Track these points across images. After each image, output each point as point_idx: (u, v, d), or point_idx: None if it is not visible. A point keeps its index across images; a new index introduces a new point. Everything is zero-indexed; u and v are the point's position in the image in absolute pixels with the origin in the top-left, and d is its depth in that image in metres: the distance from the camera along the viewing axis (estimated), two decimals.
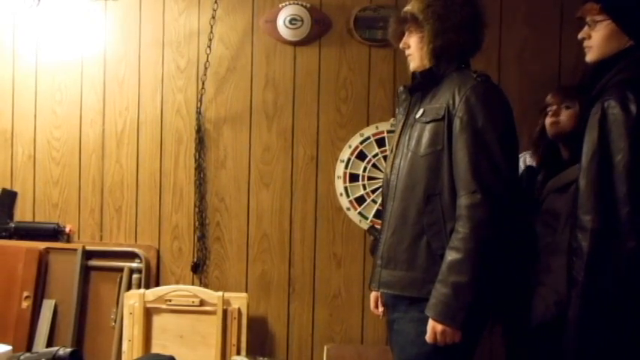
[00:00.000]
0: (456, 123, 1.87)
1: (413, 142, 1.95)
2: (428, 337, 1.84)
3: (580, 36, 1.91)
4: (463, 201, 1.83)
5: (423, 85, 2.01)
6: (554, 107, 2.25)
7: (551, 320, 1.93)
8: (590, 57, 1.89)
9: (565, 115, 2.23)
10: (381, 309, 2.25)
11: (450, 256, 1.82)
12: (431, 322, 1.84)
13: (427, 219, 1.90)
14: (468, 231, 1.80)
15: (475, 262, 1.80)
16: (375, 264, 2.03)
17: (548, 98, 2.33)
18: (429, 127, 1.93)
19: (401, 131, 2.04)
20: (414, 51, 2.02)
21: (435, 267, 1.86)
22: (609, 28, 1.84)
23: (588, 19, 1.88)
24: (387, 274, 1.97)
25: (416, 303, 1.91)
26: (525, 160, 2.54)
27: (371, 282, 2.07)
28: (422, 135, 1.93)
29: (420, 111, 1.97)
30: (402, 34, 2.07)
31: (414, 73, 2.02)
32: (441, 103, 1.91)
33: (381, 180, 2.67)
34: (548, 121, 2.26)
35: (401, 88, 2.11)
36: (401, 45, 2.07)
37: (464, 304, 1.80)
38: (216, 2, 3.04)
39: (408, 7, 2.02)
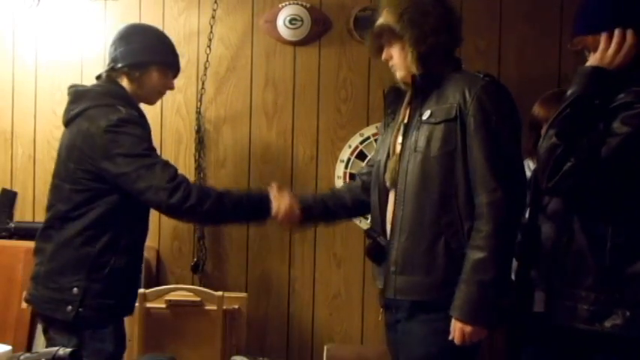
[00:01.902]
0: (470, 122, 1.87)
1: (422, 144, 1.93)
2: (456, 339, 1.83)
3: None
4: (483, 199, 1.83)
5: (423, 88, 2.00)
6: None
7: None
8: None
9: None
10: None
11: (474, 255, 1.82)
12: (458, 324, 1.82)
13: (444, 219, 1.89)
14: (490, 229, 1.81)
15: (499, 259, 1.82)
16: (388, 270, 1.97)
17: (536, 109, 2.32)
18: (439, 127, 1.91)
19: (402, 134, 2.02)
20: (399, 61, 2.00)
21: (455, 267, 1.85)
22: None
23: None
24: (403, 280, 1.93)
25: (431, 305, 1.90)
26: (529, 166, 2.52)
27: (385, 289, 1.99)
28: (432, 136, 1.91)
29: (427, 112, 1.94)
30: (381, 48, 2.05)
31: (413, 75, 2.00)
32: (451, 103, 1.90)
33: None
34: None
35: (388, 90, 2.11)
36: (383, 57, 2.06)
37: (490, 303, 1.82)
38: (216, 2, 3.03)
39: (380, 21, 1.99)
